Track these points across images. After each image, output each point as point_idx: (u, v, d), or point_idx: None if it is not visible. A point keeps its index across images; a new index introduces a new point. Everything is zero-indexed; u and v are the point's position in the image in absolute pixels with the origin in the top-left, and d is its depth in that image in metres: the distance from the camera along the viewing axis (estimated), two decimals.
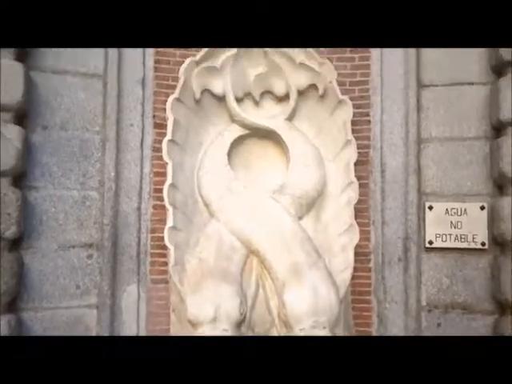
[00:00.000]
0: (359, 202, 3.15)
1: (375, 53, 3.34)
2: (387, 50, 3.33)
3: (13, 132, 2.84)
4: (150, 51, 3.29)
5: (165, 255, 3.13)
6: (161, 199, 3.10)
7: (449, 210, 3.21)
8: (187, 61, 3.14)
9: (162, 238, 3.01)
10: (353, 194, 3.10)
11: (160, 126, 3.23)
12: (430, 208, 3.23)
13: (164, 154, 3.06)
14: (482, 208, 3.16)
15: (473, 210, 3.18)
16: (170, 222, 2.98)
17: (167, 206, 3.01)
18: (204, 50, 3.17)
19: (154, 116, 3.26)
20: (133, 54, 3.25)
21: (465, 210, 3.19)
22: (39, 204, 3.03)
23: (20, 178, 2.95)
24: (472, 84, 3.26)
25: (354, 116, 3.19)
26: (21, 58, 2.93)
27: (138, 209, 3.20)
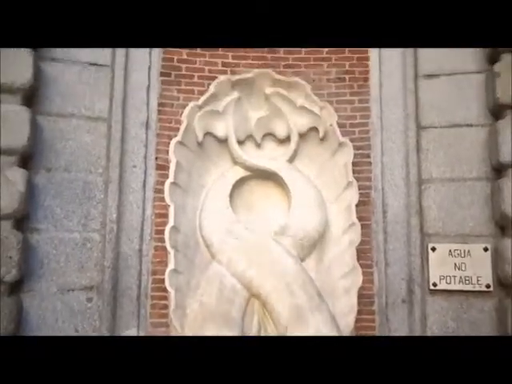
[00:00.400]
0: (361, 243, 3.13)
1: (374, 95, 3.41)
2: (386, 92, 3.40)
3: (16, 175, 2.87)
4: (155, 94, 3.36)
5: (165, 298, 3.09)
6: (162, 241, 3.09)
7: (452, 251, 3.18)
8: (190, 104, 3.21)
9: (163, 281, 2.98)
10: (355, 235, 3.09)
11: (162, 167, 3.26)
12: (433, 249, 3.20)
13: (166, 196, 3.07)
14: (486, 249, 3.14)
15: (476, 251, 3.15)
16: (171, 265, 2.97)
17: (168, 248, 2.99)
18: (207, 95, 3.24)
19: (156, 158, 3.29)
20: (137, 97, 3.32)
21: (468, 251, 3.17)
22: (41, 246, 3.02)
23: (22, 220, 2.96)
24: (471, 126, 3.30)
25: (354, 157, 3.23)
26: (28, 103, 2.99)
27: (140, 250, 3.18)
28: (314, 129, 3.27)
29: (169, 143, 3.19)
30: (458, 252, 3.18)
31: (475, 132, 3.28)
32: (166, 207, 3.11)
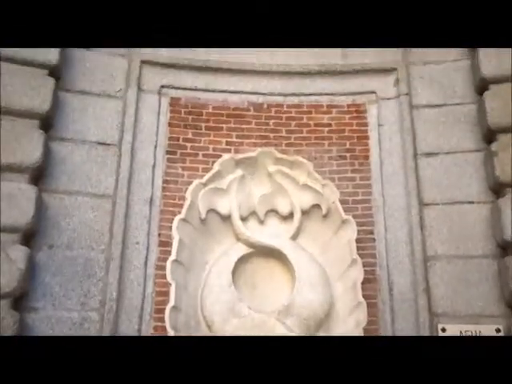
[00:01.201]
0: (368, 323, 3.02)
1: (375, 173, 3.47)
2: (387, 170, 3.46)
3: (18, 252, 2.85)
4: (160, 171, 3.42)
5: None
6: (162, 320, 2.99)
7: (463, 332, 3.06)
8: (194, 182, 3.26)
9: None
10: (361, 315, 2.99)
11: (165, 244, 3.24)
12: (443, 330, 3.08)
13: (167, 274, 3.02)
14: (498, 331, 3.02)
15: (488, 332, 3.03)
16: None
17: (168, 329, 2.89)
18: (211, 172, 3.31)
19: (159, 234, 3.29)
20: (143, 175, 3.38)
21: (480, 332, 3.05)
22: (37, 326, 2.92)
23: (20, 299, 2.89)
24: (472, 203, 3.32)
25: (358, 234, 3.21)
26: (34, 182, 3.05)
27: (138, 331, 3.07)
28: (317, 206, 3.30)
29: (172, 220, 3.20)
30: (470, 333, 3.05)
31: (477, 209, 3.29)
32: (168, 285, 3.05)
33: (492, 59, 3.39)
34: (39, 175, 3.12)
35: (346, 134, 3.59)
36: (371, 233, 3.34)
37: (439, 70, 3.65)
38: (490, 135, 3.34)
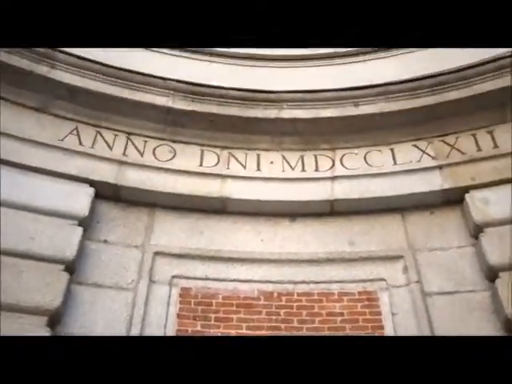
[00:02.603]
0: None
1: None
2: None
3: None
4: None
5: None
6: None
7: None
8: None
9: None
10: None
11: None
12: None
13: None
14: None
15: None
16: None
17: None
18: None
19: None
20: None
21: None
22: None
23: None
24: None
25: None
26: (51, 325, 3.06)
27: None
28: None
29: None
30: None
31: None
32: None
33: (495, 249, 3.46)
34: (56, 319, 3.11)
35: (360, 323, 3.49)
36: None
37: (446, 257, 3.70)
38: (509, 325, 3.22)
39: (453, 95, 4.04)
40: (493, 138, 3.95)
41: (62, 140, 4.01)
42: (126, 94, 4.17)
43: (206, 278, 3.71)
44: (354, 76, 4.56)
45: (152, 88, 4.21)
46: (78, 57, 4.17)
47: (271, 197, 4.01)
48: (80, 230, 3.55)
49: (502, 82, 3.94)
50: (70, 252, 3.42)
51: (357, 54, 4.70)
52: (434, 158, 4.05)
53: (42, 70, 4.04)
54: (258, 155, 4.24)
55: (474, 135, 4.03)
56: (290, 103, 4.23)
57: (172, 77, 4.37)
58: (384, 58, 4.69)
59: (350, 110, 4.15)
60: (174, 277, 3.67)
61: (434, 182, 3.94)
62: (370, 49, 4.85)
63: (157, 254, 3.73)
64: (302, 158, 4.23)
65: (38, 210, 3.53)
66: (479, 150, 3.96)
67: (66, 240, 3.44)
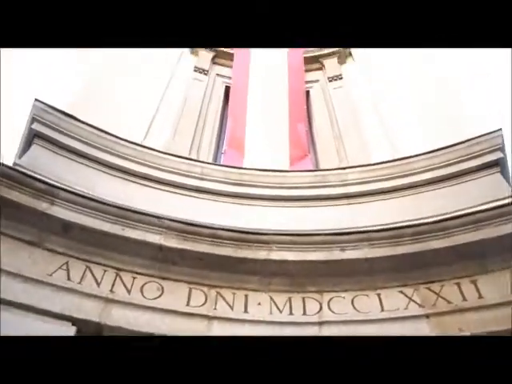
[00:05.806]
0: None
1: None
2: None
3: None
4: None
5: None
6: None
7: None
8: None
9: None
10: None
11: None
12: None
13: None
14: None
15: None
16: None
17: None
18: None
19: None
20: None
21: None
22: None
23: None
24: None
25: None
26: None
27: None
28: None
29: None
30: None
31: None
32: None
33: None
34: None
35: None
36: None
37: None
38: None
39: (434, 244, 4.19)
40: (477, 289, 4.01)
41: (51, 275, 4.01)
42: (118, 230, 4.27)
43: None
44: (341, 218, 4.79)
45: (145, 226, 4.34)
46: (77, 194, 4.36)
47: None
48: None
49: (481, 234, 4.12)
50: None
51: (340, 198, 5.00)
52: (420, 305, 4.06)
53: (42, 206, 4.18)
54: (246, 296, 4.23)
55: (457, 284, 4.09)
56: (279, 245, 4.34)
57: (164, 213, 4.54)
58: (367, 202, 4.98)
59: (336, 255, 4.25)
60: None
61: (422, 332, 3.90)
62: (354, 191, 5.17)
63: None
64: (289, 299, 4.22)
65: None
66: (464, 299, 4.00)
67: None
